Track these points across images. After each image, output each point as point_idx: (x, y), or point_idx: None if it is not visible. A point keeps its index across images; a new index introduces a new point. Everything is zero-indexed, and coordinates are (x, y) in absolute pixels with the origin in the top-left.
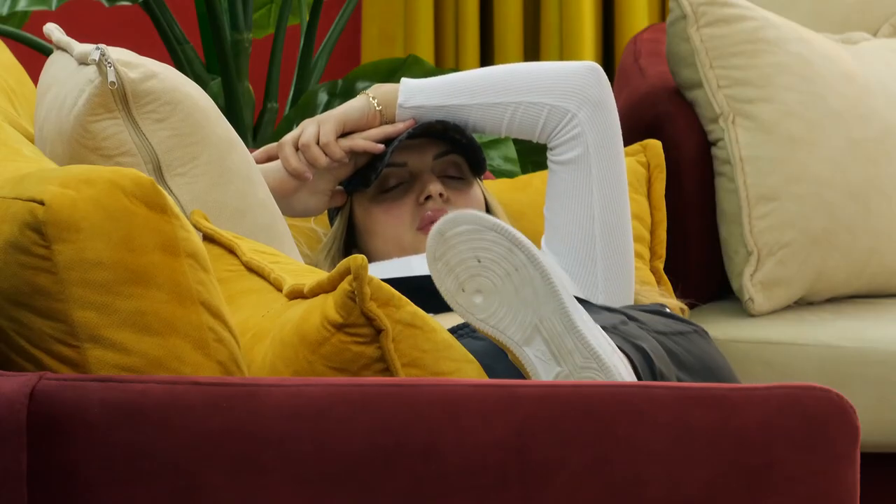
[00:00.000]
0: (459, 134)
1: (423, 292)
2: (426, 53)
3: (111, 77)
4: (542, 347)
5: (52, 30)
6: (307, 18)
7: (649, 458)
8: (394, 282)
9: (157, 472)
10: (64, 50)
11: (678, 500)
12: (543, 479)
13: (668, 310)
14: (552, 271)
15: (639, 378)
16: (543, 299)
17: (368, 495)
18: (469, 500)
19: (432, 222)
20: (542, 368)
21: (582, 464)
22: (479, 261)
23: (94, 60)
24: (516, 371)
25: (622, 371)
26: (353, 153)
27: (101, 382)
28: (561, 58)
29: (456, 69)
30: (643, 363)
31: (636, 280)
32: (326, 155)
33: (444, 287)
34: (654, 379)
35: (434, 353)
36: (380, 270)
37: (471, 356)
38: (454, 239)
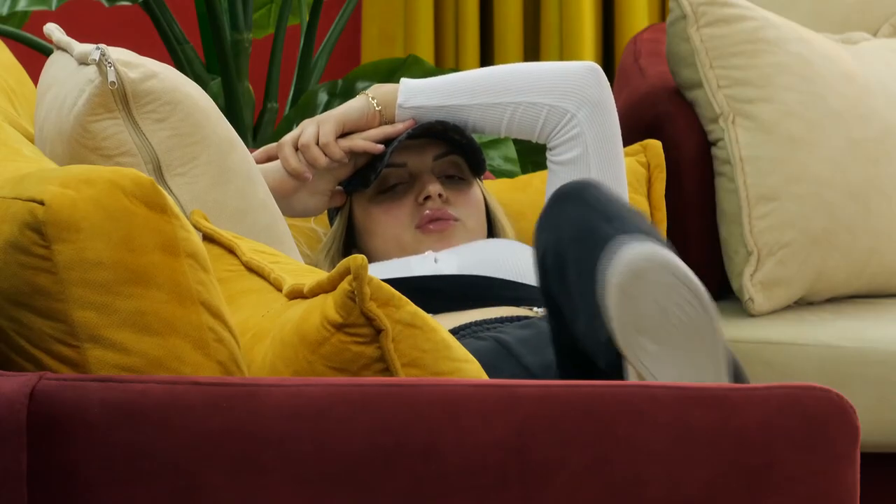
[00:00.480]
0: (459, 134)
1: (422, 293)
2: (426, 53)
3: (111, 77)
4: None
5: (52, 30)
6: (307, 18)
7: (649, 458)
8: (393, 282)
9: (157, 472)
10: (64, 50)
11: (678, 500)
12: (543, 479)
13: None
14: (722, 335)
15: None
16: (709, 365)
17: (368, 495)
18: (469, 500)
19: (431, 221)
20: None
21: (582, 464)
22: (666, 313)
23: (94, 60)
24: (519, 372)
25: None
26: (352, 153)
27: (101, 382)
28: (561, 58)
29: (456, 69)
30: None
31: None
32: (326, 155)
33: (620, 320)
34: None
35: (434, 352)
36: (379, 271)
37: (471, 356)
38: (652, 285)
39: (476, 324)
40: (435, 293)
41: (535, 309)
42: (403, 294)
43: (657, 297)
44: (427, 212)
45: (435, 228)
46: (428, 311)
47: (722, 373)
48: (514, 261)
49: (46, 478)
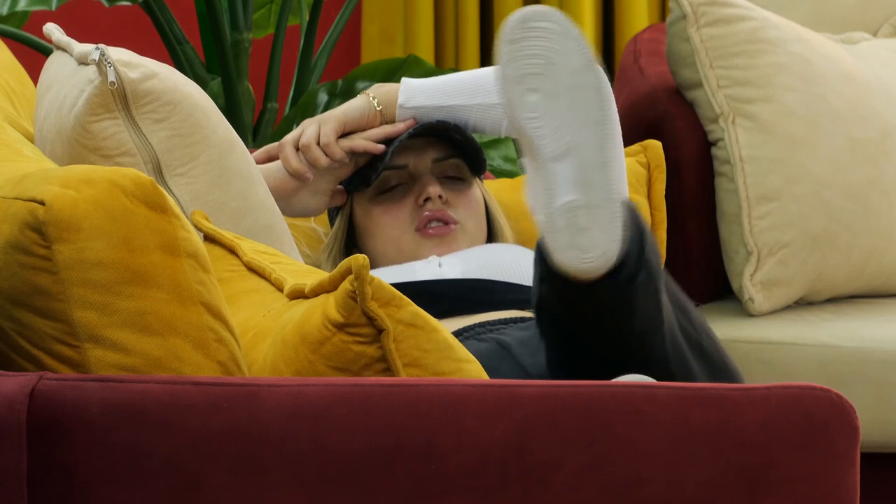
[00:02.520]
0: (460, 134)
1: (426, 297)
2: (426, 53)
3: (111, 77)
4: (568, 170)
5: (52, 30)
6: (307, 18)
7: (649, 457)
8: (397, 287)
9: (157, 472)
10: (64, 50)
11: (678, 499)
12: (543, 479)
13: None
14: (613, 105)
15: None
16: (592, 127)
17: (368, 495)
18: (469, 500)
19: (431, 223)
20: (560, 189)
21: (582, 463)
22: (551, 63)
23: (94, 60)
24: (517, 373)
25: (620, 216)
26: (353, 153)
27: (101, 382)
28: None
29: (456, 69)
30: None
31: None
32: (327, 155)
33: (504, 71)
34: (658, 295)
35: (435, 353)
36: (383, 275)
37: (471, 356)
38: (537, 31)
39: (479, 325)
40: (439, 298)
41: None
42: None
43: (539, 43)
44: (426, 213)
45: (434, 233)
46: (432, 315)
47: (607, 138)
48: (517, 264)
49: (46, 478)
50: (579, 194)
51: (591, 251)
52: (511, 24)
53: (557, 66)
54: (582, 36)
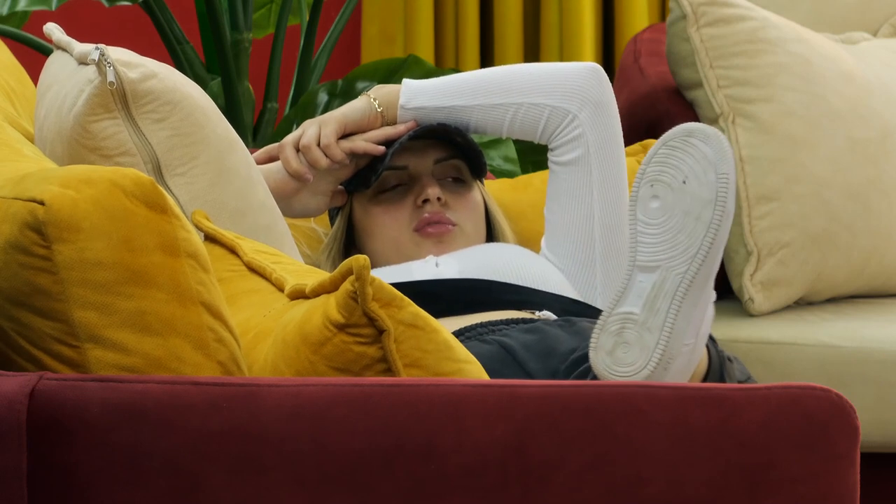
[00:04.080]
0: (461, 137)
1: (423, 297)
2: (426, 53)
3: (110, 77)
4: (646, 286)
5: (52, 30)
6: (307, 18)
7: (649, 457)
8: (395, 287)
9: (157, 472)
10: (64, 50)
11: (678, 499)
12: (543, 479)
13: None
14: (720, 247)
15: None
16: (685, 259)
17: (368, 495)
18: (469, 500)
19: (429, 224)
20: (630, 297)
21: (582, 463)
22: (684, 181)
23: (94, 60)
24: (521, 375)
25: (671, 368)
26: (353, 154)
27: (101, 382)
28: (561, 58)
29: (456, 69)
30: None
31: None
32: (327, 156)
33: (647, 168)
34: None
35: (436, 353)
36: (381, 275)
37: (472, 357)
38: (691, 148)
39: (481, 325)
40: (436, 297)
41: (537, 312)
42: None
43: (687, 160)
44: (425, 215)
45: (433, 232)
46: (430, 315)
47: (694, 277)
48: (516, 264)
49: (46, 478)
50: (641, 311)
51: (622, 366)
52: (677, 129)
53: (688, 188)
54: (728, 173)
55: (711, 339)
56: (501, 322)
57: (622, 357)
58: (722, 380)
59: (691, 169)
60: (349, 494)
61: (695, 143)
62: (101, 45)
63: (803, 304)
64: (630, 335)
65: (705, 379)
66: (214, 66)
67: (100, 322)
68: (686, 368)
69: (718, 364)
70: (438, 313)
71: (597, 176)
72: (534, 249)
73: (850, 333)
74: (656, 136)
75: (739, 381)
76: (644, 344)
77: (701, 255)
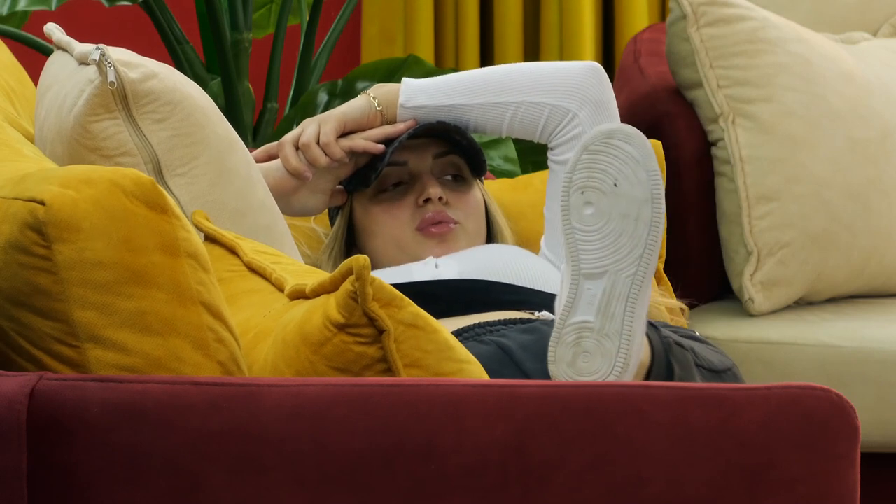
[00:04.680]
0: (460, 135)
1: (423, 298)
2: (426, 53)
3: (111, 77)
4: (596, 293)
5: (53, 30)
6: (307, 18)
7: (649, 457)
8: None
9: (157, 472)
10: (64, 50)
11: (678, 499)
12: (543, 479)
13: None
14: (658, 245)
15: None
16: (631, 260)
17: (368, 495)
18: (469, 500)
19: (431, 224)
20: (581, 306)
21: (582, 463)
22: (615, 184)
23: (94, 60)
24: (519, 376)
25: (630, 368)
26: (353, 153)
27: (101, 382)
28: (561, 58)
29: (456, 69)
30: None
31: None
32: (327, 155)
33: (573, 176)
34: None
35: (436, 353)
36: (380, 276)
37: (472, 357)
38: (616, 150)
39: (479, 326)
40: (436, 298)
41: (536, 313)
42: None
43: (613, 162)
44: (427, 214)
45: (436, 231)
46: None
47: (642, 277)
48: (515, 265)
49: (46, 478)
50: (596, 319)
51: (586, 375)
52: (596, 134)
53: (620, 190)
54: (656, 169)
55: (653, 325)
56: (499, 322)
57: (584, 367)
58: (669, 365)
59: (620, 171)
60: (349, 494)
61: (617, 143)
62: (102, 46)
63: (803, 304)
64: (588, 344)
65: (651, 367)
66: (214, 66)
67: (100, 322)
68: (637, 364)
69: (662, 350)
70: (438, 314)
71: None
72: (533, 249)
73: (850, 333)
74: (656, 136)
75: (714, 370)
76: (605, 351)
77: (647, 254)
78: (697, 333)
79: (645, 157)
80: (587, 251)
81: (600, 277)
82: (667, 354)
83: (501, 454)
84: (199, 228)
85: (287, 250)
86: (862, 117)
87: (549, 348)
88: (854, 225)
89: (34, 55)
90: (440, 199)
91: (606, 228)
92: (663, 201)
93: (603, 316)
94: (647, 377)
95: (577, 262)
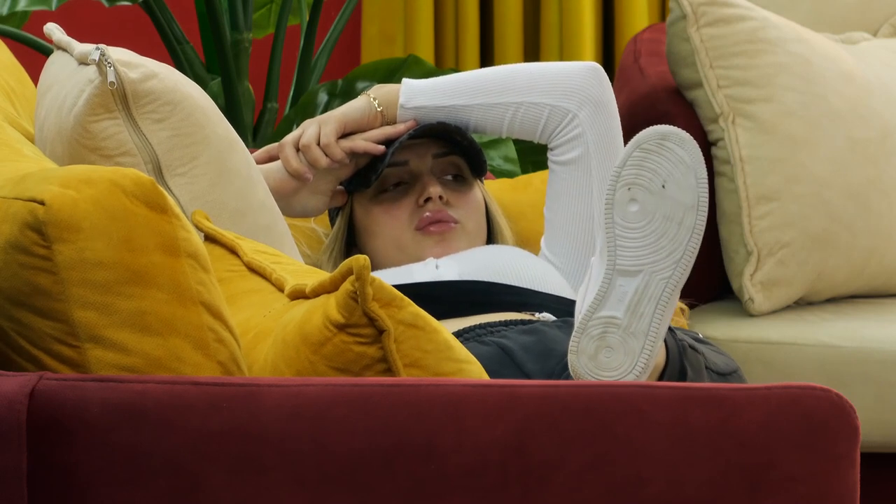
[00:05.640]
0: (460, 136)
1: (423, 299)
2: (426, 53)
3: (111, 77)
4: (628, 290)
5: (53, 30)
6: (307, 18)
7: (649, 457)
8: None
9: (157, 472)
10: (64, 50)
11: (678, 499)
12: (543, 479)
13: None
14: (695, 251)
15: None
16: (669, 263)
17: (368, 495)
18: (469, 500)
19: (431, 223)
20: (610, 301)
21: (582, 463)
22: (663, 185)
23: (94, 60)
24: (520, 376)
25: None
26: (353, 154)
27: (101, 382)
28: (561, 58)
29: (456, 69)
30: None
31: None
32: (327, 156)
33: (622, 171)
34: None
35: (436, 353)
36: (381, 277)
37: (472, 357)
38: (668, 152)
39: (480, 327)
40: (436, 299)
41: (537, 314)
42: None
43: (664, 164)
44: (427, 214)
45: (435, 230)
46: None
47: (676, 281)
48: (516, 266)
49: (46, 478)
50: (625, 316)
51: (606, 371)
52: (650, 132)
53: (668, 192)
54: (705, 177)
55: (669, 328)
56: (500, 323)
57: (605, 361)
58: (682, 368)
59: (670, 173)
60: (349, 494)
61: (671, 146)
62: (102, 46)
63: (803, 304)
64: (613, 339)
65: (665, 369)
66: (214, 66)
67: (100, 322)
68: (654, 365)
69: (678, 353)
70: (439, 315)
71: (596, 175)
72: (533, 249)
73: (850, 333)
74: None
75: (721, 373)
76: (629, 349)
77: (686, 260)
78: (700, 335)
79: (696, 164)
80: (626, 248)
81: (635, 275)
82: (681, 357)
83: (501, 454)
84: (199, 228)
85: (287, 250)
86: (862, 117)
87: (573, 338)
88: (854, 225)
89: (34, 55)
90: (441, 198)
91: (648, 228)
92: (706, 210)
93: (632, 314)
94: (661, 379)
95: (613, 257)
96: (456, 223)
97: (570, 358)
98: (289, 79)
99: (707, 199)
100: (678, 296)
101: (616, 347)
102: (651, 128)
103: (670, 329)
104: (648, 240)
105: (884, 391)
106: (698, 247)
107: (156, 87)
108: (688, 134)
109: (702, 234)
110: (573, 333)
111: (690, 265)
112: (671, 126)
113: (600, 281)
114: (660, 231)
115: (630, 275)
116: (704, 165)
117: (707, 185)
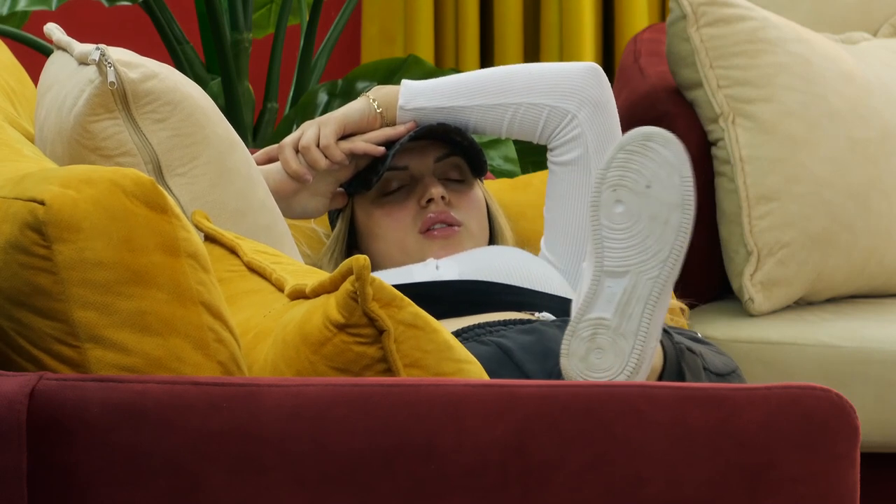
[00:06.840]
0: (460, 136)
1: (423, 299)
2: (426, 53)
3: (111, 77)
4: (616, 291)
5: (53, 30)
6: (307, 18)
7: (649, 457)
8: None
9: (157, 472)
10: (64, 50)
11: (677, 499)
12: (543, 479)
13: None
14: (684, 250)
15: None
16: (656, 263)
17: (368, 495)
18: (469, 500)
19: (435, 226)
20: (599, 303)
21: (581, 463)
22: (648, 186)
23: (94, 60)
24: (519, 376)
25: (642, 371)
26: (353, 155)
27: (101, 382)
28: (561, 58)
29: (456, 69)
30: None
31: None
32: (327, 157)
33: (606, 173)
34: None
35: (436, 353)
36: (379, 277)
37: (472, 357)
38: (652, 152)
39: (479, 326)
40: (436, 299)
41: (536, 314)
42: None
43: (648, 165)
44: (430, 215)
45: (440, 234)
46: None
47: (665, 282)
48: (516, 266)
49: (46, 478)
50: (614, 317)
51: (596, 372)
52: (633, 134)
53: (653, 192)
54: (690, 176)
55: (666, 331)
56: (499, 323)
57: (596, 363)
58: (680, 371)
59: (654, 173)
60: (349, 494)
61: (654, 147)
62: (102, 46)
63: (803, 304)
64: (603, 340)
65: (662, 373)
66: (214, 66)
67: (100, 322)
68: (650, 367)
69: (675, 356)
70: (439, 315)
71: None
72: (533, 249)
73: (850, 333)
74: None
75: (719, 373)
76: (619, 349)
77: (672, 258)
78: (699, 335)
79: (680, 163)
80: (612, 249)
81: (622, 276)
82: (679, 360)
83: (501, 454)
84: (199, 228)
85: (287, 250)
86: (862, 117)
87: (563, 341)
88: (854, 225)
89: (34, 55)
90: (443, 198)
91: (634, 229)
92: (693, 208)
93: (621, 315)
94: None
95: (600, 259)
96: (460, 225)
97: (562, 360)
98: (289, 79)
99: (693, 198)
100: (669, 296)
101: (606, 348)
102: (635, 129)
103: (667, 332)
104: (635, 240)
105: (884, 391)
106: (686, 246)
107: (156, 88)
108: (672, 134)
109: (689, 233)
110: (563, 336)
111: (678, 264)
112: (655, 127)
113: (588, 283)
114: (646, 231)
115: (618, 276)
116: (689, 165)
117: (692, 184)
